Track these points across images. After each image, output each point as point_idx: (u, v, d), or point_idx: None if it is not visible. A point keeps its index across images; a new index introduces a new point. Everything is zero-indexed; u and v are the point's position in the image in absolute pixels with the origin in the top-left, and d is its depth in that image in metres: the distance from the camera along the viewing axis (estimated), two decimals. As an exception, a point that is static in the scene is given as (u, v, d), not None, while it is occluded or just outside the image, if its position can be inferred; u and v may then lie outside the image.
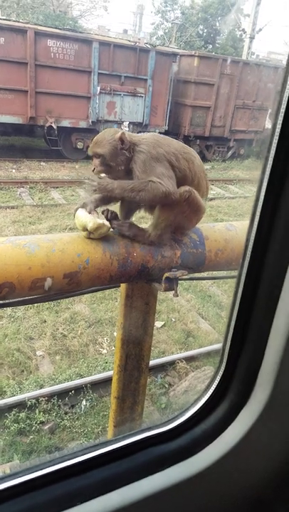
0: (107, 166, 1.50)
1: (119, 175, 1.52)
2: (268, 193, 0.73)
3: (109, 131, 1.52)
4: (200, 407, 0.84)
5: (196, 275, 1.94)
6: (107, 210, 1.59)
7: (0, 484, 0.68)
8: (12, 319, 5.32)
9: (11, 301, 1.47)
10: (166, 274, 1.56)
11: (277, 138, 0.69)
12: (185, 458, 0.82)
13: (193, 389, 4.23)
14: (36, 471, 0.72)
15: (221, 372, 0.83)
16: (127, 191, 1.45)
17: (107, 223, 1.47)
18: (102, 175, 1.50)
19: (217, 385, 0.83)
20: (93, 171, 1.51)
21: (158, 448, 0.82)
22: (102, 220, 1.45)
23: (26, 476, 0.71)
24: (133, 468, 0.80)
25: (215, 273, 2.15)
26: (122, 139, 1.47)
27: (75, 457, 0.76)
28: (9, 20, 14.21)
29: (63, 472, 0.74)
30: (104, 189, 1.45)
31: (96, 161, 1.51)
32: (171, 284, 1.59)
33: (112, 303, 5.91)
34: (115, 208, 1.64)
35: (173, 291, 1.60)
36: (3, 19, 14.05)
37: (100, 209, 1.59)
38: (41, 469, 0.72)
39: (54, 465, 0.74)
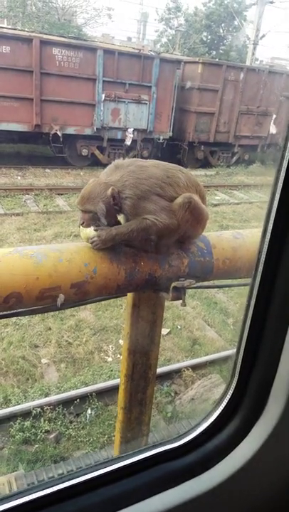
0: (95, 221, 1.46)
1: (109, 224, 1.50)
2: (281, 201, 0.72)
3: (100, 185, 1.45)
4: (211, 422, 0.82)
5: (203, 283, 1.93)
6: None
7: (9, 502, 0.67)
8: (17, 327, 5.32)
9: (18, 311, 1.46)
10: (174, 284, 1.54)
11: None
12: (197, 474, 0.81)
13: (200, 397, 4.19)
14: (46, 488, 0.70)
15: (232, 387, 0.81)
16: (127, 234, 1.45)
17: None
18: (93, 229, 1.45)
19: (229, 400, 0.81)
20: (82, 224, 1.47)
21: (170, 464, 0.80)
22: None
23: (35, 494, 0.69)
24: (144, 484, 0.78)
25: (222, 281, 2.13)
26: (113, 196, 1.42)
27: (84, 474, 0.74)
28: (15, 29, 14.37)
29: (73, 490, 0.72)
30: (107, 242, 1.43)
31: (85, 216, 1.46)
32: (179, 294, 1.57)
33: (117, 310, 5.89)
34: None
35: (180, 301, 1.59)
36: (9, 28, 14.23)
37: None
38: (51, 487, 0.71)
39: (63, 482, 0.72)
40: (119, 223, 1.56)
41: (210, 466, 0.82)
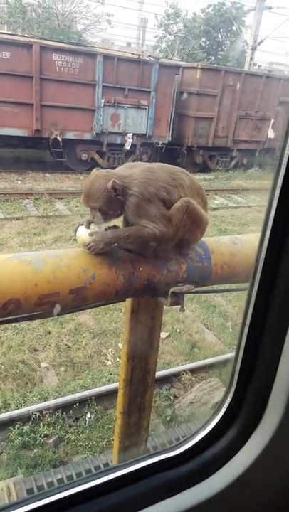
0: (105, 214, 1.50)
1: (117, 217, 1.54)
2: (279, 208, 0.72)
3: (99, 179, 1.46)
4: (209, 431, 0.82)
5: (202, 288, 1.92)
6: (109, 227, 1.58)
7: (6, 514, 0.66)
8: (16, 331, 5.31)
9: (16, 316, 1.45)
10: (172, 289, 1.54)
11: None
12: (195, 483, 0.80)
13: (199, 401, 4.17)
14: (43, 498, 0.70)
15: (231, 395, 0.80)
16: (123, 239, 1.46)
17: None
18: (93, 229, 1.48)
19: (227, 408, 0.81)
20: (93, 219, 1.50)
21: (167, 473, 0.80)
22: None
23: (33, 505, 0.69)
24: (141, 494, 0.77)
25: (221, 285, 2.13)
26: (114, 188, 1.44)
27: (82, 484, 0.73)
28: (15, 35, 14.45)
29: (71, 500, 0.72)
30: (104, 246, 1.44)
31: (93, 212, 1.50)
32: (178, 299, 1.57)
33: (116, 313, 5.89)
34: (118, 222, 1.63)
35: (179, 306, 1.59)
36: (9, 34, 14.31)
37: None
38: (47, 497, 0.70)
39: (60, 492, 0.71)
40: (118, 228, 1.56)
41: (208, 475, 0.82)
